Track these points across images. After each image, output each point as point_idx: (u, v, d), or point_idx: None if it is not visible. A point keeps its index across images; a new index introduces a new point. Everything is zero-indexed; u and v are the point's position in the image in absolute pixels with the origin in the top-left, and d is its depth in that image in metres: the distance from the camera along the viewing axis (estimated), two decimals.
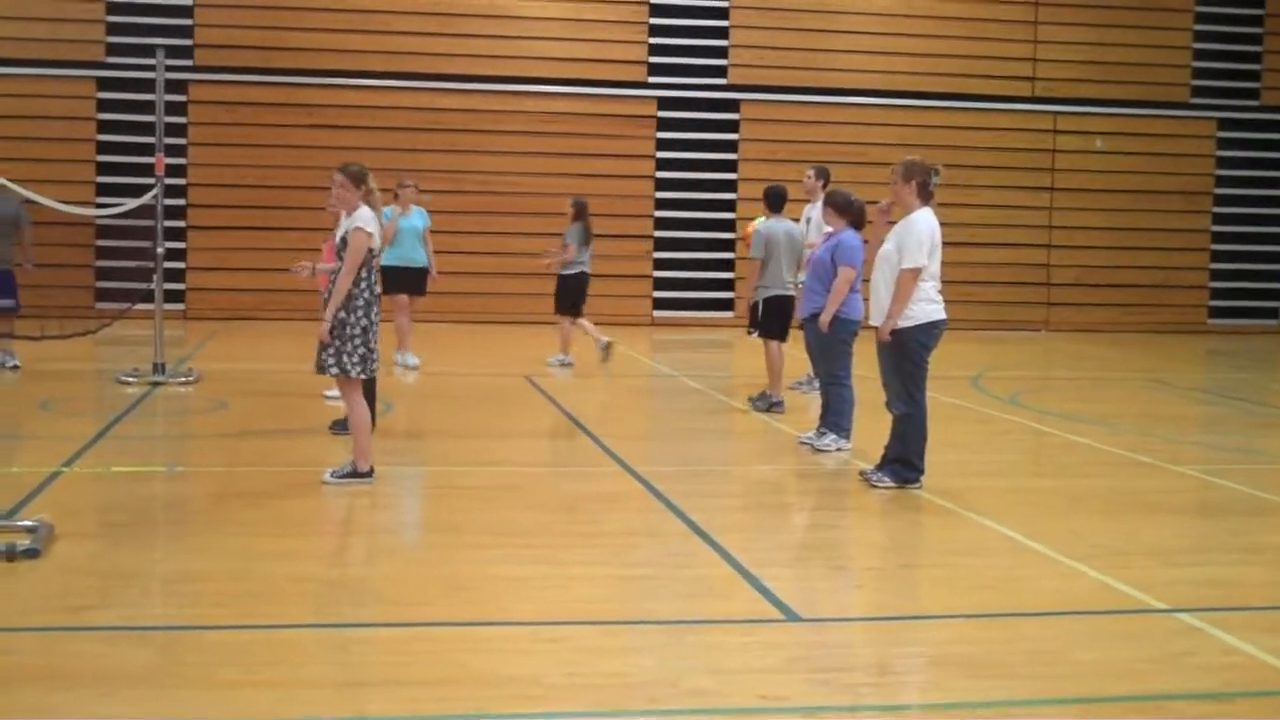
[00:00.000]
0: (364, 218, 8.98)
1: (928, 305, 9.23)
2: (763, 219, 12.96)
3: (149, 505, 8.74)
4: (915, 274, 9.11)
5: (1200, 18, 25.31)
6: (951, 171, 9.71)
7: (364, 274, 8.95)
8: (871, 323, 9.50)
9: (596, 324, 16.66)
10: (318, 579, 7.00)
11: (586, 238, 16.46)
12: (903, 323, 9.17)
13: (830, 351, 10.86)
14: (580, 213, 16.49)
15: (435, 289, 16.44)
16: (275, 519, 8.19)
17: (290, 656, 5.63)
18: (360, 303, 8.94)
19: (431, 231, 16.18)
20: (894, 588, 7.27)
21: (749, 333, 13.03)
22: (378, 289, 9.10)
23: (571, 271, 16.48)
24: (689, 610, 6.58)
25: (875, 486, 9.36)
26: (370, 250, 8.95)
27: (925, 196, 9.29)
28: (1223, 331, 25.28)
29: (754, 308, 12.73)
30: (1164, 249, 25.28)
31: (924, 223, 9.20)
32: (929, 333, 9.28)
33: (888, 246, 9.33)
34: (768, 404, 12.82)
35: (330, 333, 8.91)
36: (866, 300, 9.78)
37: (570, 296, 16.48)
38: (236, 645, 5.76)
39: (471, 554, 7.44)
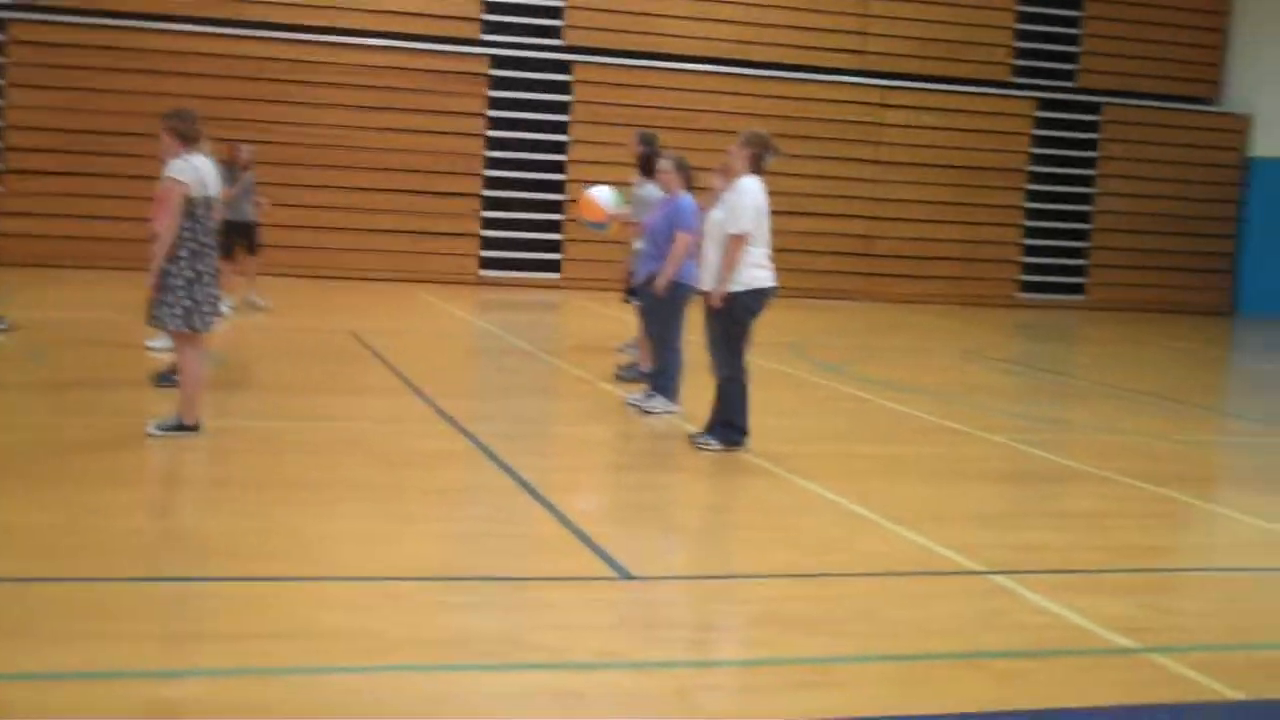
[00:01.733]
0: (175, 167, 8.83)
1: (756, 271, 9.44)
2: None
3: None
4: (742, 239, 9.31)
5: None
6: (779, 141, 9.89)
7: (187, 224, 8.79)
8: (703, 288, 9.68)
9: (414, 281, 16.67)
10: (147, 532, 6.94)
11: None
12: (731, 287, 9.37)
13: (663, 315, 11.00)
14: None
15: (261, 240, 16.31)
16: (100, 471, 8.04)
17: (119, 609, 5.57)
18: (183, 253, 8.77)
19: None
20: (721, 547, 7.46)
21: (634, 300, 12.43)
22: (207, 238, 8.92)
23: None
24: (524, 567, 6.69)
25: (702, 449, 9.55)
26: (189, 199, 8.78)
27: (756, 168, 9.49)
28: (1033, 306, 26.15)
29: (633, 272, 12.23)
30: (980, 224, 26.01)
31: (751, 190, 9.41)
32: (756, 299, 9.50)
33: (716, 213, 9.53)
34: (639, 372, 12.41)
35: (155, 285, 8.78)
36: None
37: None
38: (61, 598, 5.67)
39: (304, 509, 7.42)
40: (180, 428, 8.90)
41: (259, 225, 17.22)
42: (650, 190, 12.18)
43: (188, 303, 8.80)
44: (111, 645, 5.13)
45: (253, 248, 17.03)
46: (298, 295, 19.35)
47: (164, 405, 9.49)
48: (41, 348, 12.65)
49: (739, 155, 9.51)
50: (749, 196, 9.37)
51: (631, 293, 12.53)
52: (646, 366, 12.24)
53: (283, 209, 21.31)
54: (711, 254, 9.51)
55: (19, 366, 11.96)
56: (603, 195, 12.47)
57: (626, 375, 12.59)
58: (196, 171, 8.86)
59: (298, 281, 21.14)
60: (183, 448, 8.75)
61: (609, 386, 12.29)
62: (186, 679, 4.90)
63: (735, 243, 9.31)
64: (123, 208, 19.76)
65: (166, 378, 10.53)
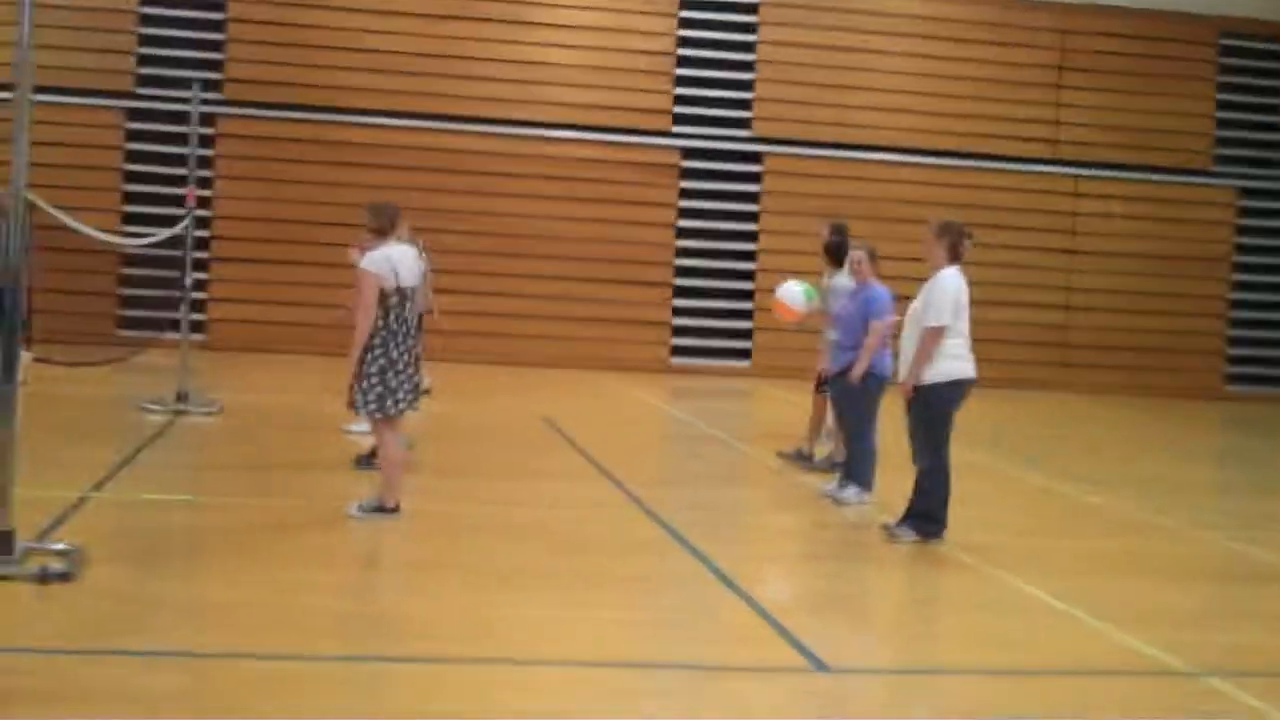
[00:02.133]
0: (371, 257, 9.04)
1: (954, 363, 9.27)
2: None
3: (176, 534, 8.77)
4: (939, 332, 9.18)
5: (1223, 86, 25.44)
6: (972, 230, 9.75)
7: (380, 312, 9.00)
8: (899, 379, 9.55)
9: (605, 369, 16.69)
10: (345, 613, 7.04)
11: None
12: (929, 379, 9.22)
13: (857, 406, 10.89)
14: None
15: (454, 328, 16.56)
16: (302, 551, 8.21)
17: (315, 688, 5.66)
18: (376, 341, 8.98)
19: (438, 271, 16.38)
20: (920, 641, 7.28)
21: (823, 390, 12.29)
22: (400, 327, 9.07)
23: None
24: (716, 656, 6.60)
25: (898, 540, 9.37)
26: (383, 290, 8.99)
27: (955, 257, 9.38)
28: (1240, 399, 25.26)
29: None
30: (1181, 314, 25.29)
31: (951, 281, 9.29)
32: (954, 390, 9.32)
33: (915, 304, 9.41)
34: (799, 456, 12.55)
35: (353, 372, 9.01)
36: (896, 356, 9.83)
37: None
38: (266, 674, 5.77)
39: (496, 593, 7.45)
40: (380, 509, 9.05)
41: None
42: (841, 280, 12.07)
43: (380, 389, 8.98)
44: None
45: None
46: (491, 381, 19.66)
47: (363, 488, 9.68)
48: (248, 429, 13.03)
49: (937, 246, 9.41)
50: (949, 288, 9.25)
51: (824, 383, 12.40)
52: (838, 455, 12.12)
53: (474, 296, 21.79)
54: (908, 344, 9.39)
55: (227, 447, 12.33)
56: (793, 296, 12.28)
57: (792, 458, 12.54)
58: (388, 261, 9.05)
59: (491, 368, 21.48)
60: (380, 529, 8.89)
61: (802, 476, 12.16)
62: None
63: (932, 335, 9.17)
64: (324, 294, 20.28)
65: (366, 461, 10.75)
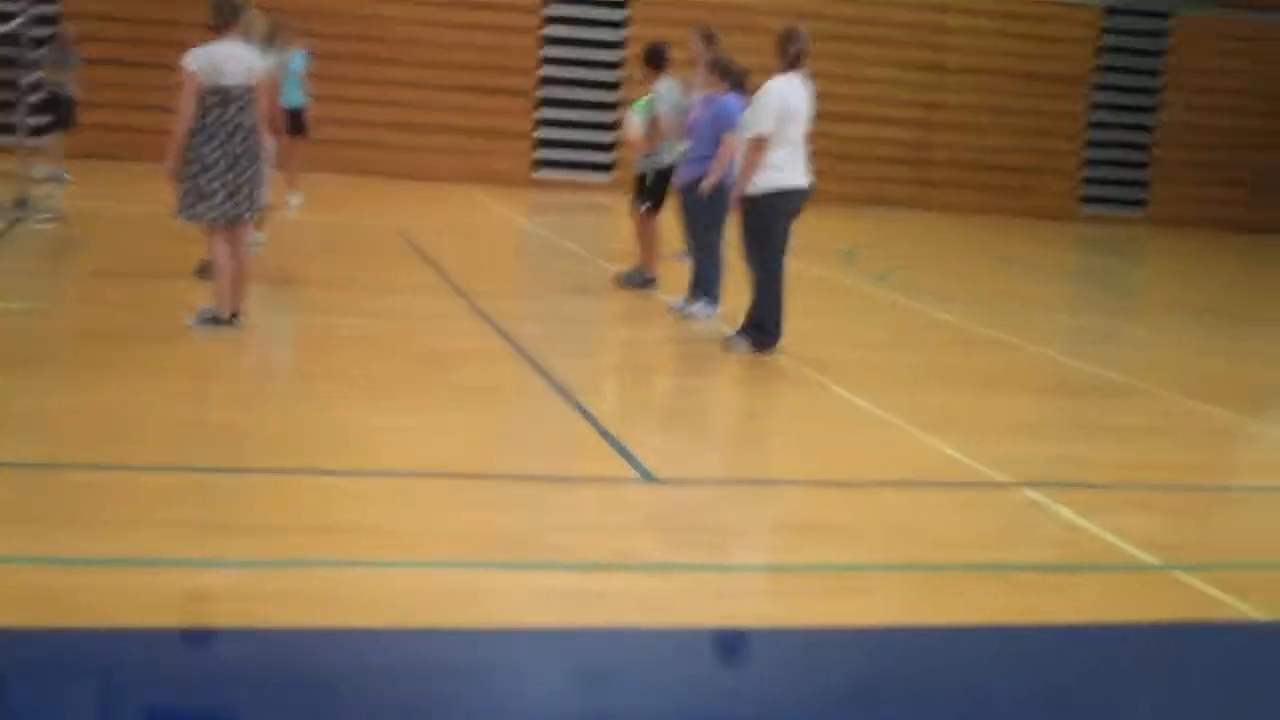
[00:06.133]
0: (194, 54, 8.69)
1: (780, 172, 9.27)
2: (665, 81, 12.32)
3: (5, 342, 8.53)
4: (760, 142, 9.16)
5: None
6: (837, 45, 9.69)
7: (199, 112, 8.68)
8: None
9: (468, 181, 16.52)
10: (176, 422, 6.93)
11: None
12: (752, 189, 9.25)
13: (706, 219, 10.86)
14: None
15: (319, 136, 16.30)
16: (137, 360, 8.05)
17: (152, 498, 5.58)
18: (195, 141, 8.69)
19: (312, 75, 16.07)
20: (749, 452, 7.40)
21: (642, 206, 12.11)
22: (219, 129, 8.71)
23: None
24: (548, 467, 6.65)
25: (731, 350, 9.45)
26: (203, 89, 8.64)
27: (789, 64, 9.30)
28: (1094, 219, 25.72)
29: (643, 178, 12.11)
30: (1041, 133, 25.54)
31: (775, 91, 9.23)
32: (782, 200, 9.33)
33: (746, 114, 9.43)
34: (642, 279, 12.28)
35: (172, 176, 8.75)
36: None
37: None
38: (97, 485, 5.68)
39: (334, 404, 7.39)
40: (215, 320, 8.88)
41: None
42: (664, 86, 11.84)
43: (194, 192, 8.74)
44: (145, 533, 5.13)
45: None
46: (352, 192, 19.33)
47: (203, 297, 9.47)
48: (90, 238, 12.68)
49: (777, 54, 9.35)
50: (771, 98, 9.19)
51: (640, 199, 12.12)
52: (651, 273, 12.16)
53: (339, 104, 21.27)
54: (739, 155, 9.42)
55: (66, 255, 12.01)
56: (631, 125, 12.18)
57: (632, 281, 12.29)
58: (209, 58, 8.70)
59: (354, 178, 21.09)
60: (218, 340, 8.74)
61: (656, 292, 12.14)
62: (216, 569, 4.89)
63: (753, 145, 9.18)
64: None
65: (206, 269, 10.52)
